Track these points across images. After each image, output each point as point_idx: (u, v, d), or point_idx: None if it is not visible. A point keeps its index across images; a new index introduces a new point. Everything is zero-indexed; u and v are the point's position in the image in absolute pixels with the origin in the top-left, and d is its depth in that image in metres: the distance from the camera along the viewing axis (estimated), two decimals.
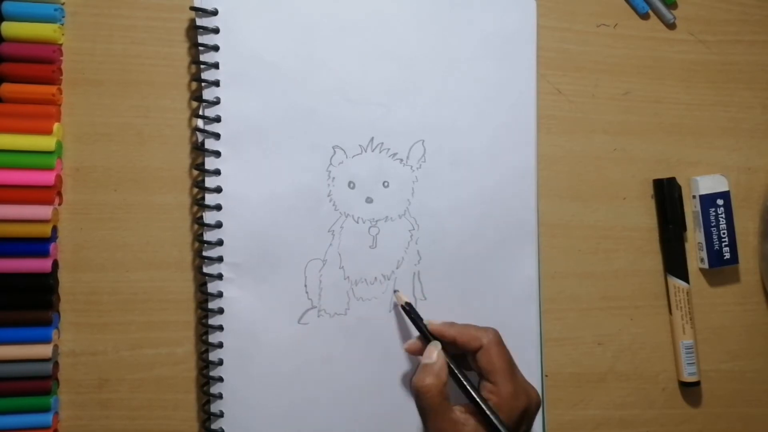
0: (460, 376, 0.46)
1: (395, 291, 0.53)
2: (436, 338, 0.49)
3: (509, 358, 0.47)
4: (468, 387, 0.46)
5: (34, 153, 0.49)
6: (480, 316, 0.53)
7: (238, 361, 0.50)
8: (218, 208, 0.50)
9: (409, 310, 0.51)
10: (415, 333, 0.51)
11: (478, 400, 0.45)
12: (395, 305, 0.52)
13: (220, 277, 0.50)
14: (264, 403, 0.51)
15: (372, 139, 0.53)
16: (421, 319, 0.50)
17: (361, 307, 0.52)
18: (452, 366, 0.47)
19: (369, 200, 0.53)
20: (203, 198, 0.50)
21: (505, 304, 0.54)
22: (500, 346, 0.47)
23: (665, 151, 0.58)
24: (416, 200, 0.53)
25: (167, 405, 0.51)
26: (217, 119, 0.50)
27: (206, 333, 0.50)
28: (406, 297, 0.52)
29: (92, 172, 0.51)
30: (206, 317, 0.50)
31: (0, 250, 0.48)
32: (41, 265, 0.48)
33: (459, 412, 0.45)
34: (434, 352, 0.47)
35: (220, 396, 0.50)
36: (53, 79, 0.49)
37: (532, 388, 0.48)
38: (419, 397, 0.46)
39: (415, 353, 0.49)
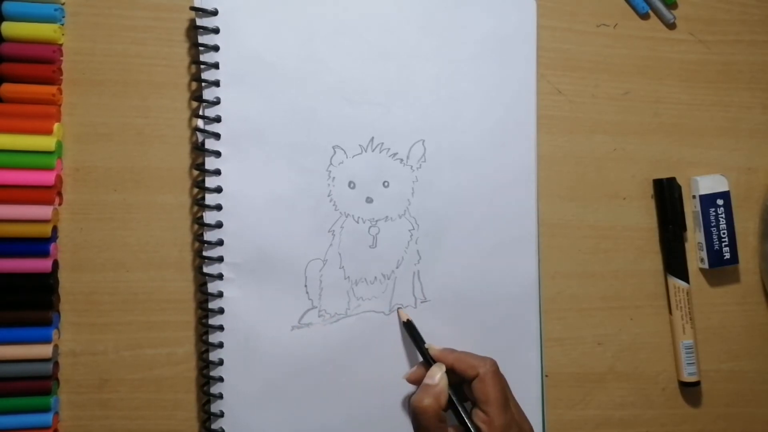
0: (456, 403, 0.47)
1: (398, 307, 0.52)
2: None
3: (505, 390, 0.47)
4: (464, 414, 0.46)
5: (34, 153, 0.49)
6: (480, 316, 0.54)
7: (238, 361, 0.50)
8: (218, 208, 0.50)
9: (411, 329, 0.51)
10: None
11: (472, 429, 0.45)
12: (401, 323, 0.52)
13: (220, 277, 0.50)
14: (264, 403, 0.51)
15: (372, 139, 0.53)
16: (423, 342, 0.50)
17: (361, 306, 0.52)
18: (450, 391, 0.47)
19: (369, 200, 0.53)
20: (203, 198, 0.50)
21: (505, 304, 0.54)
22: (497, 377, 0.47)
23: (665, 151, 0.58)
24: (416, 200, 0.53)
25: (167, 405, 0.51)
26: (217, 119, 0.50)
27: (206, 333, 0.50)
28: (408, 315, 0.52)
29: (92, 172, 0.51)
30: (206, 317, 0.50)
31: (0, 250, 0.48)
32: (41, 265, 0.48)
33: None
34: (437, 374, 0.47)
35: (220, 396, 0.50)
36: (53, 79, 0.49)
37: (527, 422, 0.48)
38: (417, 416, 0.46)
39: (415, 383, 0.49)
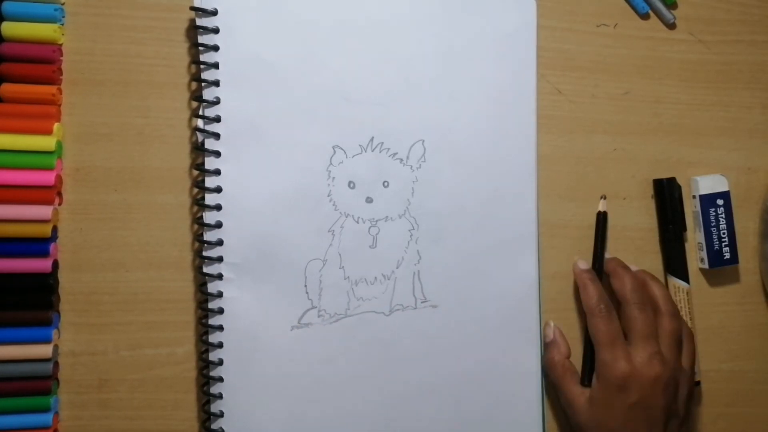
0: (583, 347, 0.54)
1: (602, 196, 0.56)
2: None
3: (652, 326, 0.52)
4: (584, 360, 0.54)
5: (34, 153, 0.49)
6: (480, 316, 0.54)
7: (238, 361, 0.50)
8: (218, 208, 0.50)
9: (603, 225, 0.56)
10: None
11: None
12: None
13: (220, 277, 0.50)
14: (264, 403, 0.51)
15: (372, 138, 0.53)
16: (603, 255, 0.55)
17: (361, 307, 0.52)
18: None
19: (369, 200, 0.53)
20: (203, 198, 0.50)
21: (505, 304, 0.54)
22: (644, 312, 0.52)
23: (665, 151, 0.58)
24: (416, 200, 0.53)
25: (167, 405, 0.51)
26: (217, 119, 0.50)
27: (206, 333, 0.50)
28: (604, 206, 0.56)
29: (92, 172, 0.51)
30: (206, 317, 0.50)
31: (0, 250, 0.48)
32: (41, 265, 0.48)
33: (579, 386, 0.53)
34: (548, 330, 0.55)
35: (220, 396, 0.50)
36: (53, 79, 0.49)
37: (683, 370, 0.52)
38: (548, 370, 0.54)
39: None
